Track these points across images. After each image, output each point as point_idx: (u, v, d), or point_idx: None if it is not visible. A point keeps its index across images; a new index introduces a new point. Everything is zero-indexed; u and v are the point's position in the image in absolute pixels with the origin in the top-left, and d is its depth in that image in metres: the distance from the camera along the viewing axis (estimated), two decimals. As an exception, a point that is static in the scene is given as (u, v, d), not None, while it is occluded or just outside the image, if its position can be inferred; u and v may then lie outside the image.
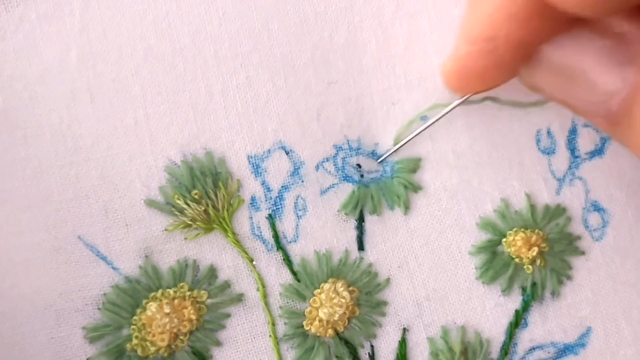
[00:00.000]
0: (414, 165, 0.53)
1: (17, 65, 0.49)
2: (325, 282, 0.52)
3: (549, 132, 0.54)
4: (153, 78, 0.50)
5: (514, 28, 0.44)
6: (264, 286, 0.51)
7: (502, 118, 0.54)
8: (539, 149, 0.54)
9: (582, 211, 0.55)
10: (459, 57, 0.48)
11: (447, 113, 0.51)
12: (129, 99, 0.50)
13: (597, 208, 0.55)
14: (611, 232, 0.55)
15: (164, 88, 0.50)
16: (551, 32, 0.45)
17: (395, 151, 0.52)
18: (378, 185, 0.53)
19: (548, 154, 0.54)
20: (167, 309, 0.49)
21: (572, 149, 0.54)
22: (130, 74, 0.50)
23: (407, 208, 0.53)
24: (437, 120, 0.51)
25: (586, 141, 0.54)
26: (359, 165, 0.53)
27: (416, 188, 0.53)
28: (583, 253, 0.54)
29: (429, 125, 0.52)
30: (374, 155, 0.53)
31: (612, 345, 0.54)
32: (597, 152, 0.54)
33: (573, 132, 0.54)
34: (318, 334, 0.52)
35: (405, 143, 0.52)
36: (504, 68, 0.48)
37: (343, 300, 0.51)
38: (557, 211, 0.54)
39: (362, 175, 0.53)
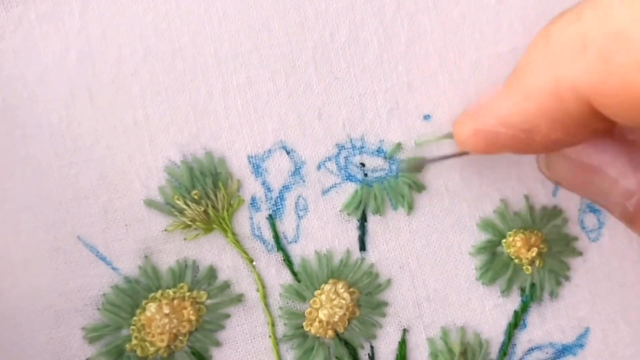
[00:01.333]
0: (419, 164, 0.53)
1: (16, 65, 0.48)
2: (326, 282, 0.52)
3: (547, 134, 0.54)
4: (152, 78, 0.50)
5: (555, 130, 0.42)
6: (263, 287, 0.51)
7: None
8: (538, 150, 0.54)
9: (577, 212, 0.55)
10: (487, 131, 0.46)
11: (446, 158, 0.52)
12: (129, 99, 0.50)
13: (592, 209, 0.55)
14: (607, 233, 0.55)
15: (163, 88, 0.50)
16: (586, 138, 0.45)
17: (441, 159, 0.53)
18: (382, 185, 0.52)
19: (545, 154, 0.54)
20: (166, 310, 0.49)
21: (568, 149, 0.54)
22: (130, 73, 0.50)
23: (410, 208, 0.53)
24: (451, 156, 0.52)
25: (582, 142, 0.54)
26: (362, 164, 0.52)
27: (420, 188, 0.53)
28: (580, 254, 0.54)
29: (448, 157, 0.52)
30: (379, 153, 0.53)
31: (611, 345, 0.54)
32: (592, 153, 0.55)
33: (570, 133, 0.54)
34: (318, 335, 0.51)
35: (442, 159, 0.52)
36: (529, 152, 0.48)
37: (343, 302, 0.51)
38: (554, 212, 0.54)
39: (365, 174, 0.52)
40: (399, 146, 0.52)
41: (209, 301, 0.51)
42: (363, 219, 0.53)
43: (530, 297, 0.54)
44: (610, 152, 0.46)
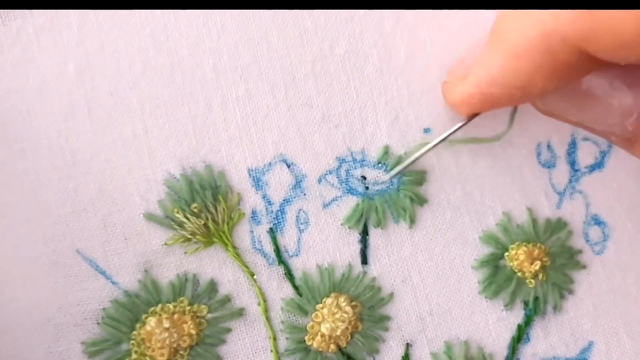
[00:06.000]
0: (420, 177, 0.53)
1: (14, 78, 0.48)
2: (328, 296, 0.51)
3: (549, 146, 0.54)
4: (151, 91, 0.50)
5: (550, 81, 0.43)
6: (265, 300, 0.51)
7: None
8: (540, 162, 0.54)
9: (582, 225, 0.54)
10: (482, 94, 0.46)
11: (452, 133, 0.51)
12: (127, 112, 0.49)
13: (597, 222, 0.54)
14: (612, 246, 0.54)
15: (162, 101, 0.50)
16: (581, 77, 0.45)
17: (405, 167, 0.52)
18: (383, 198, 0.52)
19: (548, 167, 0.54)
20: (166, 324, 0.49)
21: (572, 162, 0.54)
22: (128, 87, 0.49)
23: (412, 221, 0.53)
24: (441, 140, 0.51)
25: (586, 154, 0.54)
26: (363, 177, 0.52)
27: (422, 201, 0.53)
28: (584, 267, 0.54)
29: (436, 144, 0.51)
30: (380, 166, 0.52)
31: (614, 359, 0.54)
32: (597, 165, 0.54)
33: (573, 145, 0.54)
34: (320, 349, 0.51)
35: (415, 160, 0.51)
36: (524, 102, 0.49)
37: (345, 315, 0.51)
38: (558, 225, 0.54)
39: (367, 187, 0.52)
40: (399, 159, 0.52)
41: (209, 315, 0.50)
42: (364, 233, 0.52)
43: (533, 311, 0.53)
44: (605, 75, 0.46)
